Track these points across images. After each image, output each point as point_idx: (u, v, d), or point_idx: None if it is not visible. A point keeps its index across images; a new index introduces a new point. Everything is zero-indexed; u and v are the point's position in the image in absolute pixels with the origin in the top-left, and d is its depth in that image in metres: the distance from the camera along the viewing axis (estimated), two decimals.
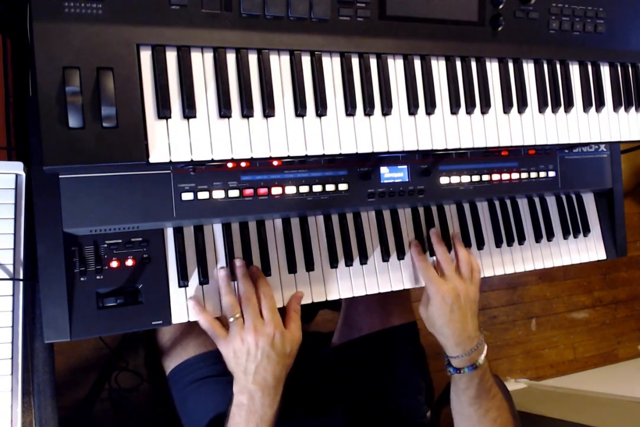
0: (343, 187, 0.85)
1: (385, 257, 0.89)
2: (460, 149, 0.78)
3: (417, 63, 0.75)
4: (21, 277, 0.73)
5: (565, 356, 2.19)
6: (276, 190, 0.81)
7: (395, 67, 0.74)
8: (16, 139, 0.84)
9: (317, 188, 0.84)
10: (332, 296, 0.86)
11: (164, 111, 0.61)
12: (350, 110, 0.70)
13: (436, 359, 1.13)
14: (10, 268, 0.73)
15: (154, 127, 0.61)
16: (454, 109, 0.76)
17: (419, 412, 1.04)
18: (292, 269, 0.84)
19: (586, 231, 1.07)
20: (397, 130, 0.73)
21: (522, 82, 0.80)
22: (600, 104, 0.86)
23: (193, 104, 0.63)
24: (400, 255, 0.90)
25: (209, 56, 0.64)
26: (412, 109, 0.74)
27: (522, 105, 0.80)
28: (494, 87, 0.79)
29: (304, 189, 0.83)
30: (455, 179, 0.93)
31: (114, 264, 0.75)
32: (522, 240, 1.00)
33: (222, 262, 0.81)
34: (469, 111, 0.78)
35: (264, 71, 0.66)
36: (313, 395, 1.03)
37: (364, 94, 0.71)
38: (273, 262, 0.83)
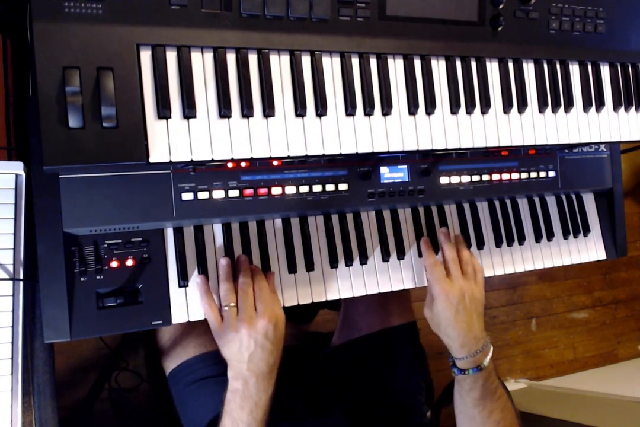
0: (343, 187, 0.85)
1: (385, 257, 0.89)
2: (460, 149, 0.78)
3: (417, 63, 0.75)
4: (21, 277, 0.73)
5: (565, 356, 2.19)
6: (276, 191, 0.81)
7: (395, 67, 0.74)
8: (16, 139, 0.84)
9: (317, 188, 0.84)
10: (332, 296, 0.86)
11: (164, 111, 0.61)
12: (350, 110, 0.70)
13: (436, 359, 1.14)
14: (10, 268, 0.72)
15: (154, 127, 0.61)
16: (454, 109, 0.76)
17: (419, 412, 1.04)
18: (292, 269, 0.84)
19: (586, 230, 1.07)
20: (397, 130, 0.73)
21: (522, 82, 0.80)
22: (600, 104, 0.86)
23: (193, 104, 0.63)
24: (400, 255, 0.90)
25: (209, 56, 0.64)
26: (412, 109, 0.74)
27: (522, 105, 0.80)
28: (494, 87, 0.79)
29: (304, 189, 0.83)
30: (455, 179, 0.93)
31: (114, 264, 0.75)
32: (522, 240, 1.00)
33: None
34: (469, 111, 0.78)
35: (264, 71, 0.66)
36: (313, 395, 1.03)
37: (364, 94, 0.71)
38: (273, 262, 0.83)
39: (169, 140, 0.62)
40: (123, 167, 0.73)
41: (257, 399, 0.75)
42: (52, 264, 0.72)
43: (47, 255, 0.72)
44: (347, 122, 0.71)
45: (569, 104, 0.84)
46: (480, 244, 0.97)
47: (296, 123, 0.68)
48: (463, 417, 0.86)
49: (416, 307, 1.11)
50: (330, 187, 0.85)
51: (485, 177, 0.95)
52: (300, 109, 0.68)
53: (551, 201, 1.05)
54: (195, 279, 0.78)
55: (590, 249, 1.08)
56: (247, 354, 0.74)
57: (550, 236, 1.03)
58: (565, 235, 1.05)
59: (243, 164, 0.80)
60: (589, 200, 1.10)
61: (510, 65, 0.80)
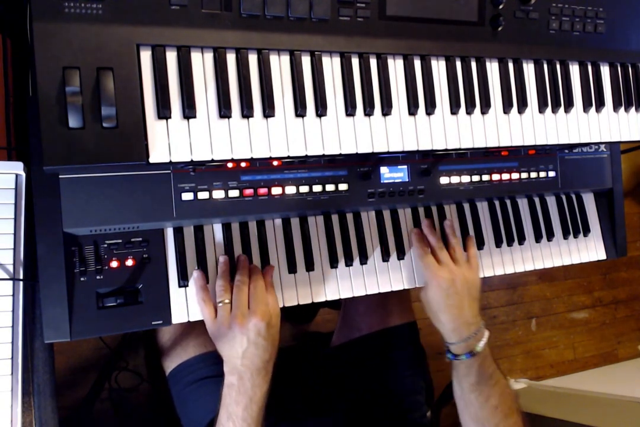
0: (343, 187, 0.85)
1: (385, 257, 0.89)
2: (460, 149, 0.78)
3: (417, 63, 0.75)
4: (21, 277, 0.73)
5: (565, 356, 2.19)
6: (276, 190, 0.81)
7: (395, 67, 0.74)
8: (16, 139, 0.84)
9: (317, 188, 0.84)
10: (332, 296, 0.86)
11: (164, 111, 0.61)
12: (350, 110, 0.70)
13: (436, 359, 1.14)
14: (10, 268, 0.73)
15: (154, 127, 0.61)
16: (454, 109, 0.76)
17: (419, 412, 1.04)
18: (292, 269, 0.84)
19: (586, 230, 1.07)
20: (397, 131, 0.73)
21: (522, 82, 0.80)
22: (600, 104, 0.86)
23: (193, 104, 0.63)
24: (400, 255, 0.90)
25: (209, 56, 0.64)
26: (412, 109, 0.74)
27: (522, 105, 0.80)
28: (494, 87, 0.79)
29: (304, 189, 0.83)
30: (455, 179, 0.93)
31: (114, 264, 0.75)
32: (522, 240, 1.00)
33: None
34: (469, 111, 0.77)
35: (264, 71, 0.66)
36: (313, 395, 1.03)
37: (364, 94, 0.71)
38: (273, 262, 0.83)
39: (169, 141, 0.62)
40: (123, 167, 0.73)
41: (252, 394, 0.75)
42: (52, 264, 0.72)
43: (47, 255, 0.72)
44: (347, 122, 0.71)
45: (569, 104, 0.84)
46: (480, 244, 0.97)
47: (296, 123, 0.68)
48: (462, 402, 0.85)
49: (416, 307, 1.11)
50: (330, 187, 0.85)
51: (485, 177, 0.95)
52: (300, 109, 0.68)
53: (551, 201, 1.05)
54: (193, 275, 0.78)
55: (590, 249, 1.08)
56: (241, 351, 0.75)
57: (550, 236, 1.03)
58: (565, 235, 1.05)
59: (243, 164, 0.80)
60: (589, 200, 1.10)
61: (510, 66, 0.80)
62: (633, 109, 0.89)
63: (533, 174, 0.99)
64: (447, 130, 0.76)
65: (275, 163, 0.82)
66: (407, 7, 0.72)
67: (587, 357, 2.23)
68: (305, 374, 1.09)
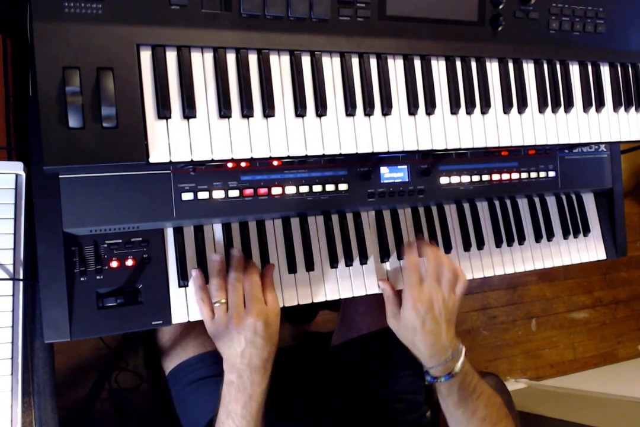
0: (343, 187, 0.85)
1: (385, 257, 0.89)
2: (460, 149, 0.78)
3: (417, 63, 0.74)
4: (21, 277, 0.73)
5: (565, 356, 2.19)
6: (276, 190, 0.81)
7: (395, 67, 0.74)
8: (16, 139, 0.84)
9: (317, 188, 0.84)
10: (332, 296, 0.86)
11: (164, 111, 0.61)
12: (350, 110, 0.70)
13: None
14: (10, 268, 0.73)
15: (154, 127, 0.61)
16: (454, 109, 0.76)
17: (419, 412, 1.04)
18: (292, 269, 0.84)
19: (586, 230, 1.07)
20: (397, 131, 0.73)
21: (522, 82, 0.80)
22: (600, 104, 0.86)
23: (193, 104, 0.63)
24: (401, 255, 0.90)
25: (209, 56, 0.64)
26: (412, 109, 0.74)
27: (522, 105, 0.80)
28: (494, 87, 0.79)
29: (304, 189, 0.83)
30: (455, 179, 0.93)
31: (114, 264, 0.75)
32: (522, 240, 1.00)
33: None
34: (469, 111, 0.77)
35: (264, 71, 0.66)
36: (313, 395, 1.03)
37: (364, 94, 0.71)
38: (273, 262, 0.83)
39: (169, 141, 0.62)
40: (123, 167, 0.73)
41: (251, 391, 0.75)
42: (52, 264, 0.72)
43: (47, 255, 0.72)
44: (347, 122, 0.71)
45: (569, 104, 0.84)
46: (480, 244, 0.97)
47: (296, 123, 0.68)
48: (450, 417, 0.85)
49: None
50: (330, 187, 0.85)
51: (485, 177, 0.95)
52: (300, 109, 0.68)
53: (551, 201, 1.05)
54: (192, 274, 0.78)
55: (590, 249, 1.08)
56: (239, 350, 0.75)
57: (550, 236, 1.03)
58: (565, 235, 1.05)
59: (243, 164, 0.80)
60: (589, 201, 1.10)
61: (510, 65, 0.80)
62: (633, 109, 0.89)
63: (533, 174, 0.99)
64: (447, 130, 0.76)
65: (275, 163, 0.82)
66: (407, 7, 0.72)
67: (587, 357, 2.23)
68: (305, 374, 1.09)
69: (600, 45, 0.85)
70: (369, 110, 0.71)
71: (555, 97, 0.83)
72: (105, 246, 0.75)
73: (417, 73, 0.74)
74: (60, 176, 0.71)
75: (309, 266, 0.85)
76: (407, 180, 0.90)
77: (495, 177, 0.96)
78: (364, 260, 0.88)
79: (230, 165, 0.79)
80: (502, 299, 2.08)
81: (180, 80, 0.63)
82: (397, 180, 0.89)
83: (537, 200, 1.04)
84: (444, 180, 0.92)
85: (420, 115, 0.75)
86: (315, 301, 0.85)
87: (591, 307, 2.24)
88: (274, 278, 0.82)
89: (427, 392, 1.09)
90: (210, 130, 0.64)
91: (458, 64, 0.77)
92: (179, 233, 0.79)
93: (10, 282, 0.72)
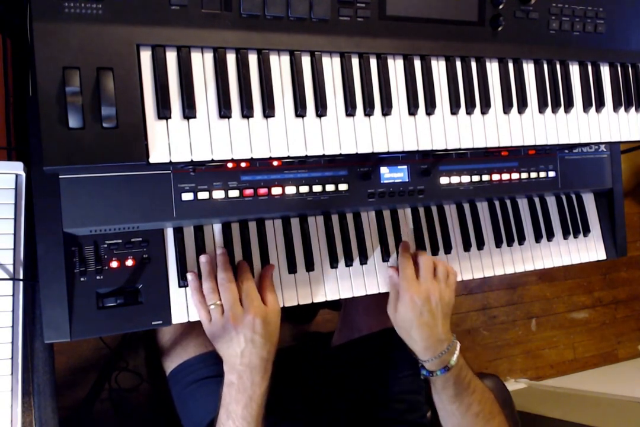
0: (343, 187, 0.85)
1: (385, 257, 0.89)
2: (460, 149, 0.78)
3: (417, 63, 0.75)
4: (21, 277, 0.73)
5: (565, 356, 2.19)
6: (276, 191, 0.81)
7: (395, 67, 0.74)
8: (16, 139, 0.84)
9: (317, 188, 0.84)
10: (332, 296, 0.86)
11: (164, 111, 0.61)
12: (350, 110, 0.70)
13: None
14: (10, 268, 0.73)
15: (154, 127, 0.61)
16: (454, 109, 0.76)
17: (419, 412, 1.04)
18: (292, 269, 0.84)
19: (586, 231, 1.07)
20: (397, 131, 0.73)
21: (522, 82, 0.80)
22: (600, 104, 0.86)
23: (193, 104, 0.63)
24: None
25: (209, 56, 0.64)
26: (412, 109, 0.74)
27: (522, 105, 0.80)
28: (494, 87, 0.79)
29: (304, 189, 0.83)
30: (455, 179, 0.93)
31: (114, 264, 0.75)
32: (522, 240, 1.00)
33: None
34: (469, 111, 0.77)
35: (264, 71, 0.66)
36: (313, 395, 1.03)
37: (364, 94, 0.71)
38: (273, 262, 0.83)
39: (169, 141, 0.62)
40: (123, 167, 0.73)
41: (251, 392, 0.75)
42: (52, 264, 0.72)
43: (47, 255, 0.72)
44: (347, 122, 0.71)
45: (569, 104, 0.84)
46: (480, 244, 0.97)
47: (296, 123, 0.68)
48: (444, 412, 0.85)
49: None
50: (330, 188, 0.85)
51: (485, 178, 0.95)
52: (300, 109, 0.68)
53: (551, 201, 1.05)
54: (187, 277, 0.78)
55: (590, 249, 1.08)
56: (239, 350, 0.75)
57: (550, 236, 1.03)
58: (565, 235, 1.05)
59: (243, 164, 0.80)
60: (589, 201, 1.10)
61: (510, 66, 0.80)
62: (633, 109, 0.89)
63: (533, 174, 0.99)
64: (447, 130, 0.76)
65: (275, 163, 0.82)
66: (407, 7, 0.72)
67: (587, 357, 2.23)
68: (305, 374, 1.09)
69: (600, 45, 0.85)
70: (369, 111, 0.71)
71: (555, 97, 0.83)
72: (105, 246, 0.75)
73: (417, 73, 0.74)
74: (60, 176, 0.71)
75: (309, 266, 0.85)
76: (407, 180, 0.90)
77: (495, 177, 0.96)
78: (363, 260, 0.88)
79: (230, 165, 0.79)
80: (502, 299, 2.08)
81: (180, 80, 0.63)
82: (397, 181, 0.89)
83: (537, 200, 1.04)
84: (444, 180, 0.92)
85: (420, 116, 0.75)
86: (315, 301, 0.85)
87: (591, 307, 2.24)
88: (274, 278, 0.82)
89: (427, 393, 1.09)
90: (210, 131, 0.64)
91: (458, 64, 0.77)
92: (179, 233, 0.79)
93: (10, 282, 0.72)
